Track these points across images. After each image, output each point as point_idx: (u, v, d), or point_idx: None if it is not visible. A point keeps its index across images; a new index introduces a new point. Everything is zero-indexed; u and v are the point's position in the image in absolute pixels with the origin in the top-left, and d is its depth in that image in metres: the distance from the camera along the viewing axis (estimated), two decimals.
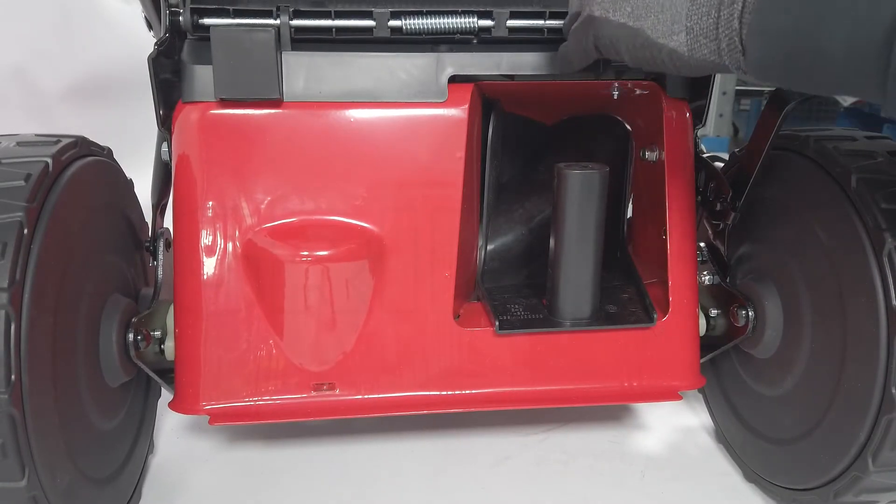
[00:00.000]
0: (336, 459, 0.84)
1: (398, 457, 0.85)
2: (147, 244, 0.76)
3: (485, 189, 0.81)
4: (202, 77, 0.67)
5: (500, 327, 0.73)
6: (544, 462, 0.84)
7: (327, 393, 0.71)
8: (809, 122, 2.30)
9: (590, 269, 0.73)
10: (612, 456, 0.86)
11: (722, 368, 0.86)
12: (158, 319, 0.73)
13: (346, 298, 0.70)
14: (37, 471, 0.54)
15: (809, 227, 0.70)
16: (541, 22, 0.69)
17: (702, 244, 0.80)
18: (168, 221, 0.73)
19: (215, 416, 0.69)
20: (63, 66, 1.70)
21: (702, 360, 0.78)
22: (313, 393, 0.71)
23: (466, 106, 0.70)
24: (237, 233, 0.69)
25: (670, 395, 0.75)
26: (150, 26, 0.85)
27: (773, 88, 0.74)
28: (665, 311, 0.75)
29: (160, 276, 0.74)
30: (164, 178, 0.74)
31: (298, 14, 0.67)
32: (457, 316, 0.74)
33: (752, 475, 0.80)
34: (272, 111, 0.68)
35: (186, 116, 0.68)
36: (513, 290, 0.81)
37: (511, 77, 0.72)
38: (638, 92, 0.76)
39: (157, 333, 0.72)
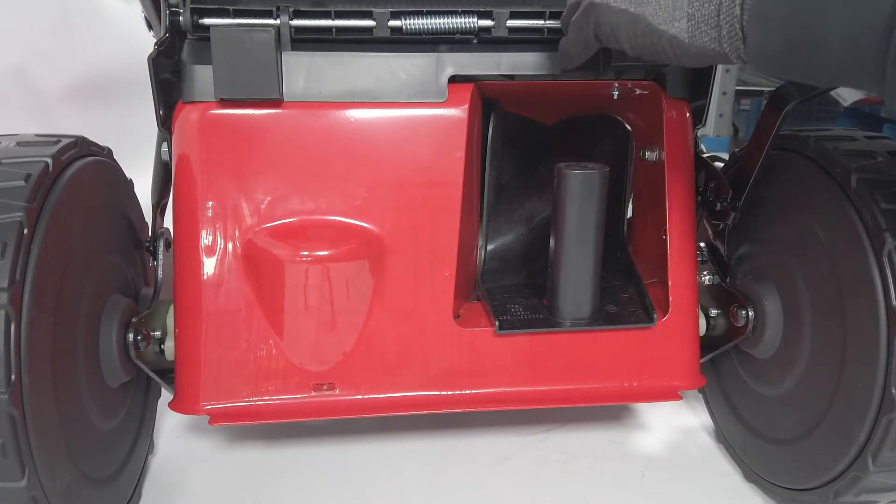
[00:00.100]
0: (336, 459, 0.84)
1: (398, 457, 0.85)
2: (147, 244, 0.76)
3: (485, 189, 0.81)
4: (202, 77, 0.67)
5: (500, 327, 0.73)
6: (544, 462, 0.84)
7: (327, 393, 0.71)
8: (809, 122, 2.30)
9: (590, 269, 0.73)
10: (612, 456, 0.86)
11: (722, 368, 0.86)
12: (158, 319, 0.73)
13: (346, 298, 0.70)
14: (37, 471, 0.54)
15: (809, 227, 0.70)
16: (541, 22, 0.69)
17: (702, 244, 0.80)
18: (168, 221, 0.73)
19: (215, 416, 0.69)
20: (63, 66, 1.70)
21: (702, 360, 0.78)
22: (313, 393, 0.71)
23: (466, 106, 0.70)
24: (237, 233, 0.69)
25: (670, 395, 0.75)
26: (150, 26, 0.85)
27: (773, 88, 0.74)
28: (665, 311, 0.75)
29: (160, 276, 0.74)
30: (164, 178, 0.74)
31: (298, 14, 0.67)
32: (457, 316, 0.74)
33: (752, 475, 0.80)
34: (272, 111, 0.68)
35: (186, 116, 0.68)
36: (513, 290, 0.81)
37: (511, 77, 0.72)
38: (638, 92, 0.76)
39: (157, 333, 0.72)
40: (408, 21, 0.68)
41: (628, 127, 0.83)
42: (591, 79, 0.73)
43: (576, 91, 0.77)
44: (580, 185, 0.70)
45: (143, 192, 0.78)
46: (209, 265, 0.69)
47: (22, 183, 0.56)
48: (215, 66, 0.65)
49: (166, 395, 0.74)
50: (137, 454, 0.76)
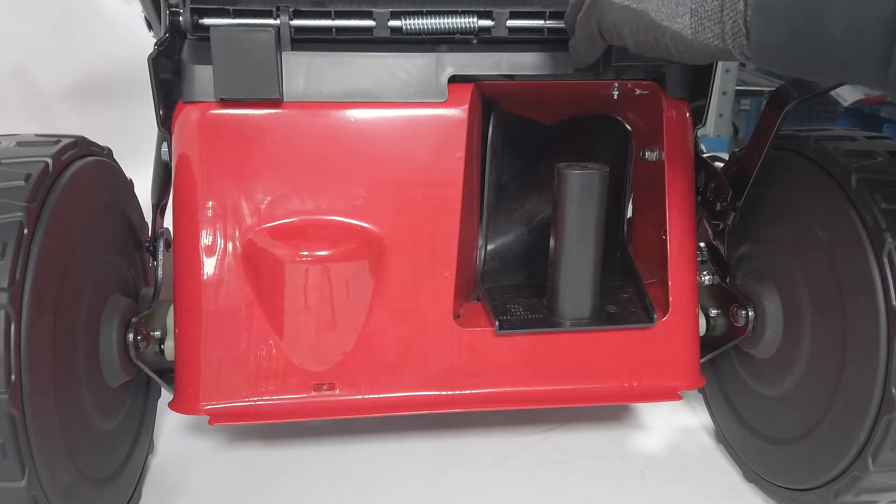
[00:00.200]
0: (336, 459, 0.84)
1: (398, 457, 0.85)
2: (147, 244, 0.76)
3: (485, 189, 0.81)
4: (202, 77, 0.67)
5: (500, 327, 0.73)
6: (544, 462, 0.84)
7: (327, 393, 0.71)
8: (809, 122, 2.29)
9: (590, 269, 0.73)
10: (612, 456, 0.86)
11: (722, 368, 0.86)
12: (158, 319, 0.73)
13: (346, 298, 0.70)
14: (37, 471, 0.54)
15: (809, 227, 0.70)
16: (541, 22, 0.69)
17: (702, 244, 0.80)
18: (168, 221, 0.73)
19: (215, 416, 0.69)
20: (63, 66, 1.70)
21: (702, 360, 0.78)
22: (313, 393, 0.71)
23: (466, 106, 0.70)
24: (237, 233, 0.69)
25: (670, 395, 0.75)
26: (150, 26, 0.85)
27: (773, 88, 0.74)
28: (665, 311, 0.75)
29: (160, 276, 0.74)
30: (164, 178, 0.74)
31: (298, 14, 0.67)
32: (457, 316, 0.74)
33: (752, 475, 0.80)
34: (272, 111, 0.68)
35: (186, 116, 0.68)
36: (513, 290, 0.81)
37: (511, 77, 0.72)
38: (638, 92, 0.76)
39: (157, 333, 0.72)
40: (408, 21, 0.68)
41: (628, 127, 0.83)
42: (591, 79, 0.73)
43: (576, 91, 0.77)
44: (580, 185, 0.70)
45: (143, 192, 0.78)
46: (209, 265, 0.69)
47: (22, 183, 0.56)
48: (215, 66, 0.65)
49: (166, 395, 0.74)
50: (137, 454, 0.76)
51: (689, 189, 0.77)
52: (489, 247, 0.86)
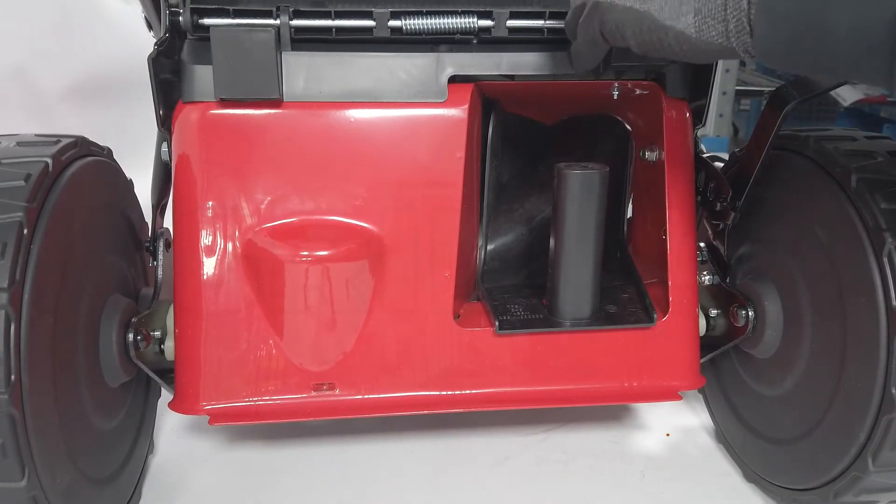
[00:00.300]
0: (336, 459, 0.84)
1: (398, 457, 0.85)
2: (147, 244, 0.76)
3: (485, 189, 0.81)
4: (202, 77, 0.67)
5: (500, 327, 0.73)
6: (544, 462, 0.84)
7: (327, 393, 0.71)
8: (809, 122, 2.29)
9: (590, 269, 0.73)
10: (612, 456, 0.86)
11: (722, 368, 0.86)
12: (158, 319, 0.73)
13: (346, 298, 0.70)
14: (37, 471, 0.54)
15: (809, 227, 0.70)
16: (541, 22, 0.69)
17: (702, 244, 0.80)
18: (168, 221, 0.73)
19: (215, 416, 0.69)
20: (63, 66, 1.70)
21: (702, 360, 0.78)
22: (313, 393, 0.71)
23: (466, 106, 0.70)
24: (237, 233, 0.69)
25: (670, 395, 0.75)
26: (150, 26, 0.85)
27: (773, 88, 0.74)
28: (665, 311, 0.75)
29: (160, 276, 0.74)
30: (164, 178, 0.74)
31: (298, 14, 0.67)
32: (457, 316, 0.74)
33: (752, 475, 0.80)
34: (272, 111, 0.68)
35: (186, 116, 0.68)
36: (513, 290, 0.81)
37: (511, 77, 0.72)
38: (638, 92, 0.76)
39: (157, 333, 0.72)
40: (408, 21, 0.68)
41: (628, 127, 0.83)
42: (591, 79, 0.73)
43: (576, 91, 0.77)
44: (580, 185, 0.70)
45: (143, 192, 0.78)
46: (209, 265, 0.69)
47: (22, 183, 0.56)
48: (215, 66, 0.65)
49: (166, 395, 0.74)
50: (137, 454, 0.76)
51: (689, 189, 0.77)
52: (489, 247, 0.86)
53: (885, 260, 0.61)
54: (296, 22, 0.67)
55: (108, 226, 0.72)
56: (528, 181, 0.90)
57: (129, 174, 0.78)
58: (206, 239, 0.69)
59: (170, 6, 0.67)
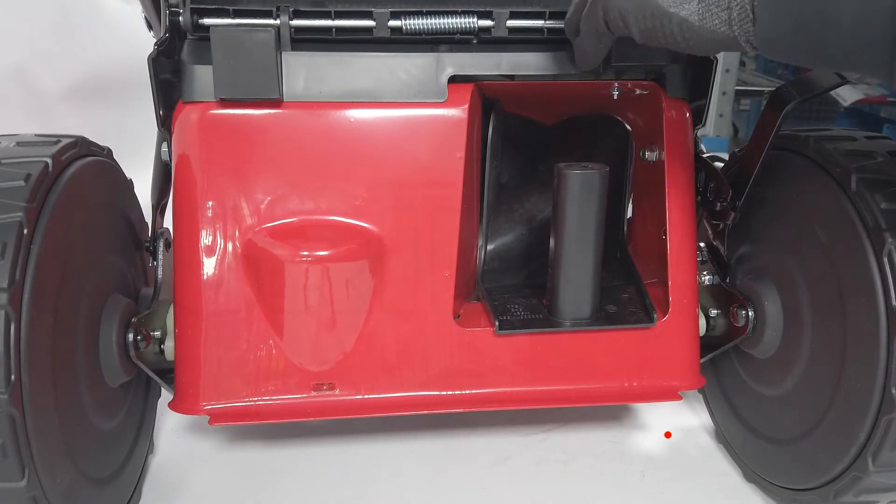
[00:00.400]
0: (336, 459, 0.84)
1: (398, 457, 0.85)
2: (147, 244, 0.76)
3: (485, 189, 0.81)
4: (202, 77, 0.67)
5: (500, 327, 0.73)
6: (544, 462, 0.84)
7: (327, 393, 0.71)
8: (809, 122, 2.29)
9: (590, 269, 0.73)
10: (612, 456, 0.86)
11: (722, 368, 0.86)
12: (158, 319, 0.73)
13: (346, 298, 0.70)
14: (37, 471, 0.54)
15: (809, 227, 0.70)
16: (541, 22, 0.69)
17: (702, 244, 0.80)
18: (168, 221, 0.73)
19: (215, 416, 0.69)
20: (63, 66, 1.70)
21: (702, 360, 0.78)
22: (313, 393, 0.71)
23: (466, 106, 0.70)
24: (237, 233, 0.69)
25: (670, 395, 0.75)
26: (150, 26, 0.85)
27: (773, 88, 0.74)
28: (665, 311, 0.75)
29: (160, 276, 0.74)
30: (164, 178, 0.74)
31: (298, 14, 0.67)
32: (457, 316, 0.74)
33: (752, 475, 0.80)
34: (272, 111, 0.68)
35: (186, 116, 0.68)
36: (513, 290, 0.81)
37: (511, 77, 0.72)
38: (638, 92, 0.76)
39: (157, 333, 0.72)
40: (408, 21, 0.68)
41: (628, 127, 0.83)
42: (591, 79, 0.73)
43: (576, 91, 0.77)
44: (580, 185, 0.70)
45: (143, 192, 0.78)
46: (209, 265, 0.69)
47: (22, 183, 0.56)
48: (215, 66, 0.65)
49: (166, 395, 0.74)
50: (137, 454, 0.76)
51: (689, 189, 0.77)
52: (489, 247, 0.86)
53: (885, 260, 0.61)
54: (296, 22, 0.67)
55: (108, 226, 0.72)
56: (528, 181, 0.90)
57: (129, 174, 0.78)
58: (206, 239, 0.69)
59: (170, 6, 0.67)
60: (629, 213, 0.88)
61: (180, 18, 0.67)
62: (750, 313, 0.76)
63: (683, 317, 0.75)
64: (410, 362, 0.72)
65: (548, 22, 0.69)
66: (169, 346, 0.72)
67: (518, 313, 0.75)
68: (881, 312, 0.61)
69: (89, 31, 1.73)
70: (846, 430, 0.64)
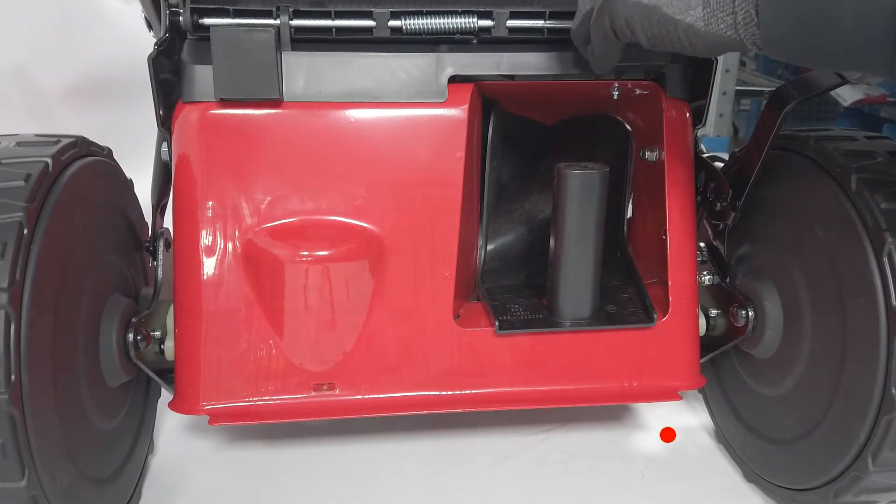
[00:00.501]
0: (336, 459, 0.84)
1: (398, 457, 0.85)
2: (147, 244, 0.76)
3: (485, 189, 0.81)
4: (202, 77, 0.67)
5: (500, 327, 0.73)
6: (544, 462, 0.84)
7: (327, 393, 0.71)
8: (809, 122, 2.29)
9: (590, 269, 0.73)
10: (612, 456, 0.86)
11: (722, 368, 0.86)
12: (158, 319, 0.73)
13: (346, 298, 0.70)
14: (37, 471, 0.54)
15: (809, 227, 0.70)
16: (541, 22, 0.69)
17: (702, 244, 0.80)
18: (168, 221, 0.73)
19: (215, 416, 0.69)
20: (63, 66, 1.70)
21: (702, 360, 0.78)
22: (313, 393, 0.71)
23: (466, 106, 0.70)
24: (237, 233, 0.69)
25: (670, 395, 0.75)
26: (150, 26, 0.85)
27: (773, 88, 0.74)
28: (665, 311, 0.75)
29: (160, 276, 0.74)
30: (164, 178, 0.74)
31: (298, 14, 0.67)
32: (457, 316, 0.74)
33: (752, 475, 0.80)
34: (272, 111, 0.68)
35: (186, 116, 0.68)
36: (513, 290, 0.81)
37: (511, 77, 0.72)
38: (638, 92, 0.76)
39: (157, 333, 0.72)
40: (408, 21, 0.68)
41: (628, 127, 0.83)
42: (591, 79, 0.73)
43: (576, 91, 0.77)
44: (580, 185, 0.70)
45: (143, 192, 0.78)
46: (209, 265, 0.69)
47: (22, 183, 0.56)
48: (215, 66, 0.65)
49: (166, 395, 0.74)
50: (137, 454, 0.76)
51: (689, 189, 0.77)
52: (489, 247, 0.86)
53: (885, 260, 0.61)
54: (296, 22, 0.67)
55: (108, 226, 0.72)
56: (528, 181, 0.90)
57: (129, 174, 0.78)
58: (206, 239, 0.69)
59: (170, 6, 0.67)
60: (629, 213, 0.88)
61: (180, 18, 0.67)
62: (750, 313, 0.76)
63: (683, 317, 0.75)
64: (410, 362, 0.72)
65: (548, 22, 0.69)
66: (169, 346, 0.72)
67: (518, 313, 0.75)
68: (881, 312, 0.61)
69: (89, 31, 1.73)
70: (846, 430, 0.64)
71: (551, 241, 0.74)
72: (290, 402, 0.71)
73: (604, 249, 0.74)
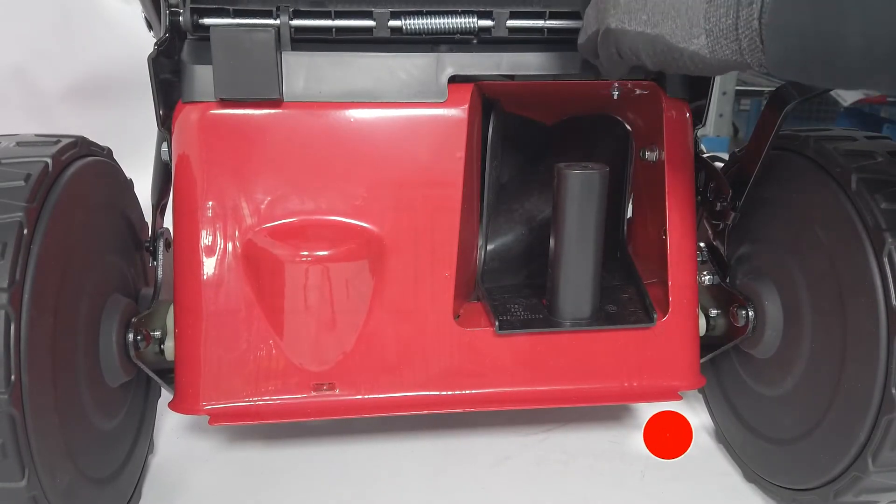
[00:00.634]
0: (336, 459, 0.84)
1: (398, 457, 0.85)
2: (147, 244, 0.76)
3: (485, 189, 0.81)
4: (202, 77, 0.67)
5: (500, 327, 0.73)
6: (544, 462, 0.84)
7: (327, 393, 0.71)
8: (809, 122, 2.29)
9: (590, 269, 0.73)
10: (612, 456, 0.86)
11: (722, 368, 0.86)
12: (158, 319, 0.73)
13: (346, 298, 0.70)
14: (37, 471, 0.54)
15: (809, 227, 0.70)
16: (541, 22, 0.69)
17: (702, 244, 0.80)
18: (168, 221, 0.73)
19: (215, 416, 0.69)
20: (63, 66, 1.70)
21: (702, 360, 0.78)
22: (313, 393, 0.71)
23: (466, 106, 0.70)
24: (237, 233, 0.69)
25: (670, 395, 0.75)
26: (150, 26, 0.85)
27: (773, 88, 0.74)
28: (665, 311, 0.75)
29: (160, 276, 0.74)
30: (164, 178, 0.74)
31: (298, 14, 0.67)
32: (457, 316, 0.74)
33: (752, 475, 0.80)
34: (272, 111, 0.68)
35: (186, 116, 0.68)
36: (513, 290, 0.81)
37: (511, 77, 0.72)
38: (638, 92, 0.76)
39: (157, 333, 0.72)
40: (408, 21, 0.68)
41: (628, 127, 0.83)
42: (591, 79, 0.73)
43: (576, 91, 0.77)
44: (580, 185, 0.70)
45: (143, 192, 0.78)
46: (209, 265, 0.69)
47: (22, 183, 0.56)
48: (215, 66, 0.65)
49: (166, 395, 0.74)
50: (137, 454, 0.76)
51: (689, 189, 0.77)
52: (489, 247, 0.86)
53: (885, 260, 0.61)
54: (296, 22, 0.67)
55: (108, 226, 0.72)
56: (528, 181, 0.90)
57: (129, 174, 0.78)
58: (206, 239, 0.69)
59: (170, 6, 0.67)
60: (629, 213, 0.88)
61: (180, 18, 0.67)
62: (750, 313, 0.76)
63: (683, 317, 0.75)
64: (410, 362, 0.72)
65: (548, 22, 0.69)
66: (169, 346, 0.72)
67: (518, 313, 0.75)
68: (881, 312, 0.61)
69: (89, 31, 1.73)
70: (846, 430, 0.64)
71: (551, 241, 0.74)
72: (290, 402, 0.71)
73: (604, 249, 0.74)
